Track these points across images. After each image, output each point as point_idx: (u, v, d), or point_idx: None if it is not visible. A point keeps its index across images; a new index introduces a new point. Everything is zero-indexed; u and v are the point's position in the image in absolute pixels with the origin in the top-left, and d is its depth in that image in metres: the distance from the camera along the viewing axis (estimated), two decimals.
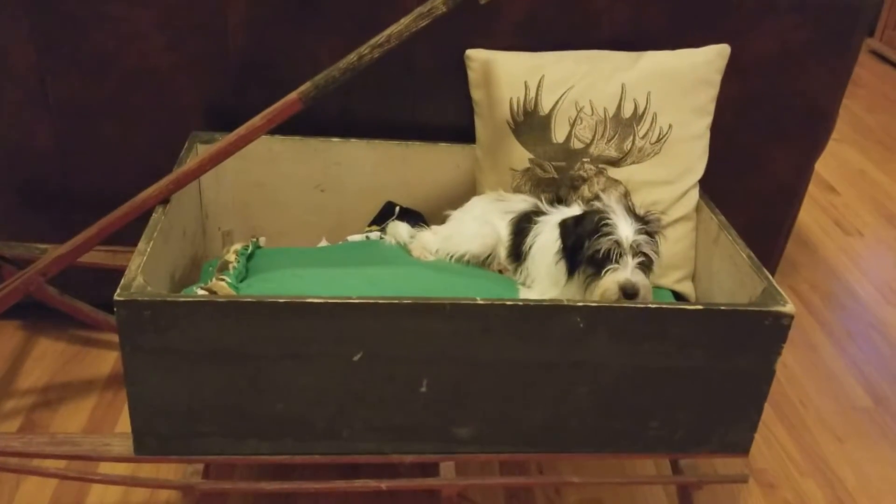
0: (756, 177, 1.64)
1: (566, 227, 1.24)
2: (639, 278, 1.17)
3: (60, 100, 1.47)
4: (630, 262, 1.17)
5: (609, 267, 1.17)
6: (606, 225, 1.18)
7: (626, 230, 1.17)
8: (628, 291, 1.15)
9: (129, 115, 1.49)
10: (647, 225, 1.21)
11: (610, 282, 1.16)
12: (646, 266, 1.18)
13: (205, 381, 1.07)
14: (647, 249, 1.18)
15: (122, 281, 1.05)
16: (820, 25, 1.47)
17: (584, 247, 1.18)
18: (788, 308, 1.12)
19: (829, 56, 1.51)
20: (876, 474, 1.58)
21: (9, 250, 1.52)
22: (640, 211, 1.24)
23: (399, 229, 1.49)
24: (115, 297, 1.02)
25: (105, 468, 1.27)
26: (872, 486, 1.55)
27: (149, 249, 1.12)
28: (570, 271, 1.22)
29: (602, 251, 1.17)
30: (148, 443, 1.11)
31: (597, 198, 1.31)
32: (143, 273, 1.07)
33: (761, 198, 1.67)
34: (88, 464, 1.30)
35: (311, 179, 1.52)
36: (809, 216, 2.48)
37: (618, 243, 1.17)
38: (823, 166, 2.77)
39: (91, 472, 1.19)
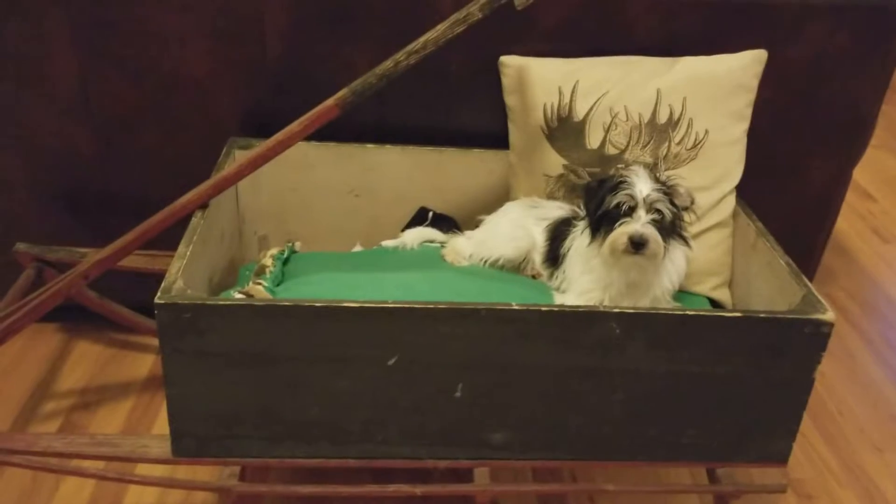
0: (793, 184, 1.63)
1: (589, 188, 1.29)
2: (649, 231, 1.20)
3: (102, 107, 1.51)
4: (643, 216, 1.20)
5: (623, 220, 1.20)
6: (624, 183, 1.22)
7: (642, 187, 1.21)
8: (636, 241, 1.19)
9: (168, 121, 1.53)
10: (665, 186, 1.23)
11: (620, 232, 1.20)
12: (660, 224, 1.21)
13: (242, 384, 1.09)
14: (661, 206, 1.21)
15: (163, 284, 1.07)
16: (858, 31, 1.45)
17: (602, 203, 1.22)
18: (828, 316, 1.11)
19: (868, 62, 1.49)
20: None
21: (50, 254, 1.56)
22: (664, 177, 1.27)
23: (407, 235, 1.53)
24: (156, 300, 1.04)
25: (143, 469, 1.29)
26: None
27: (188, 253, 1.14)
28: (594, 233, 1.25)
29: (617, 205, 1.21)
30: (186, 444, 1.12)
31: (626, 167, 1.33)
32: (182, 276, 1.08)
33: (798, 205, 1.66)
34: (126, 465, 1.32)
35: (346, 185, 1.54)
36: (847, 223, 2.45)
37: (632, 197, 1.21)
38: (860, 173, 2.73)
39: (129, 473, 1.21)
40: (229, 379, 1.08)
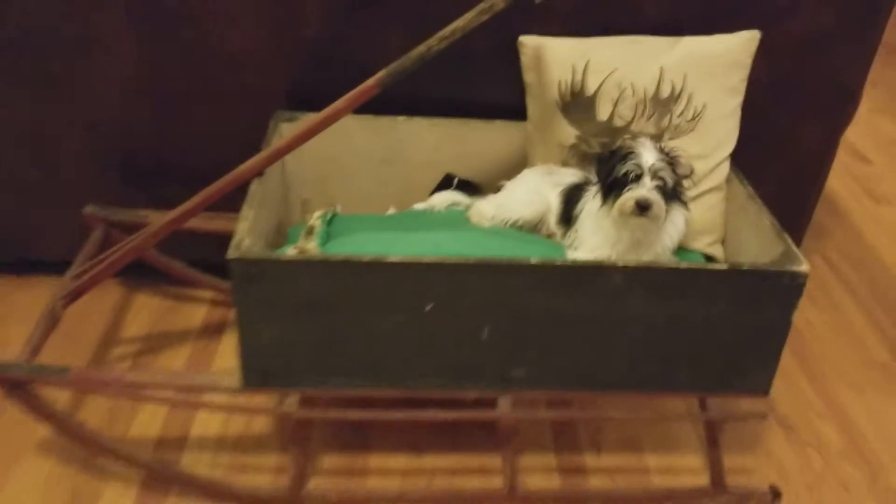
0: (786, 150, 1.78)
1: (601, 158, 1.44)
2: (653, 196, 1.35)
3: (158, 84, 1.66)
4: (648, 182, 1.35)
5: (630, 186, 1.36)
6: (632, 153, 1.37)
7: (647, 157, 1.36)
8: (642, 204, 1.34)
9: (218, 97, 1.67)
10: (668, 156, 1.39)
11: (628, 197, 1.35)
12: (662, 189, 1.36)
13: (301, 326, 1.27)
14: (664, 175, 1.36)
15: (233, 242, 1.24)
16: (844, 10, 1.59)
17: (613, 171, 1.38)
18: (804, 268, 1.27)
19: (855, 37, 1.64)
20: (889, 420, 1.73)
21: (115, 216, 1.73)
22: (668, 148, 1.42)
23: (435, 199, 1.68)
24: (228, 256, 1.22)
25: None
26: (885, 430, 1.71)
27: (251, 216, 1.32)
28: (604, 197, 1.41)
29: (625, 173, 1.36)
30: (253, 377, 1.31)
31: (633, 138, 1.48)
32: (249, 235, 1.26)
33: (791, 169, 1.81)
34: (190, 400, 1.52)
35: (380, 154, 1.69)
36: (841, 185, 2.59)
37: (639, 166, 1.36)
38: (858, 136, 2.88)
39: (205, 403, 1.40)
40: (290, 322, 1.26)
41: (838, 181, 2.60)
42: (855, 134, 2.90)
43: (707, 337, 1.32)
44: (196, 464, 1.51)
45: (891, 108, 3.15)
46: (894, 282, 2.17)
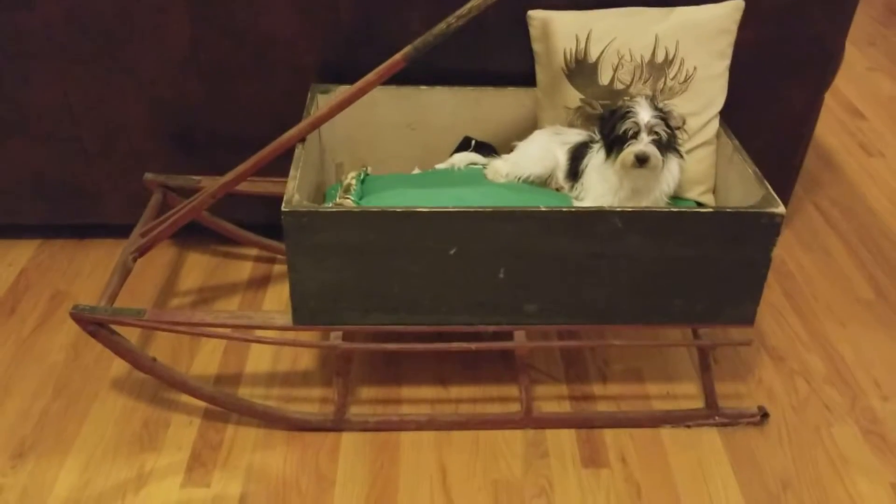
0: (773, 107, 1.94)
1: (603, 117, 1.62)
2: (650, 149, 1.53)
3: (209, 62, 1.84)
4: (645, 138, 1.53)
5: (630, 142, 1.54)
6: (630, 112, 1.54)
7: (644, 115, 1.53)
8: (640, 157, 1.52)
9: (261, 72, 1.85)
10: (662, 112, 1.56)
11: (628, 152, 1.53)
12: (658, 142, 1.54)
13: (344, 270, 1.47)
14: (659, 129, 1.54)
15: (285, 198, 1.44)
16: None
17: (614, 129, 1.55)
18: (780, 209, 1.45)
19: (833, 2, 1.79)
20: (870, 351, 1.91)
21: (172, 181, 1.92)
22: (661, 105, 1.58)
23: (455, 159, 1.84)
24: (282, 209, 1.41)
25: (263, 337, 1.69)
26: (866, 360, 1.89)
27: (298, 175, 1.52)
28: (608, 152, 1.58)
29: (625, 130, 1.53)
30: (302, 315, 1.52)
31: (631, 99, 1.65)
32: (297, 192, 1.47)
33: (779, 124, 1.97)
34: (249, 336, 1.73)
35: (405, 120, 1.86)
36: (836, 139, 2.74)
37: (636, 123, 1.53)
38: (855, 93, 3.02)
39: (261, 337, 1.61)
40: (334, 266, 1.46)
41: (833, 136, 2.75)
42: (852, 91, 3.05)
43: (697, 273, 1.50)
44: (250, 396, 1.72)
45: (888, 66, 3.27)
46: (882, 228, 2.33)
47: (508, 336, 1.59)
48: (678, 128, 1.61)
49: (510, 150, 1.80)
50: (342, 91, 1.59)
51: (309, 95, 1.79)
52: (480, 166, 1.82)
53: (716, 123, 1.73)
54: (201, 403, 1.70)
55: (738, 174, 1.64)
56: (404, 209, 1.43)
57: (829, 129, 2.79)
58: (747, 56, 1.79)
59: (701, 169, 1.74)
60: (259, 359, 1.83)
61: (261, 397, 1.73)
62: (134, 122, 1.94)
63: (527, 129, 1.82)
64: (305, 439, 1.65)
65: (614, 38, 1.69)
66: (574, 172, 1.71)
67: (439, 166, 1.87)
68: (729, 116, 1.74)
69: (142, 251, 1.72)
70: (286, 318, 1.54)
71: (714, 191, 1.77)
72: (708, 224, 1.46)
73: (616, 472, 1.60)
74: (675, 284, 1.52)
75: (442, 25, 1.49)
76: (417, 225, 1.44)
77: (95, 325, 1.55)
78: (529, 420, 1.67)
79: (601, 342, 1.71)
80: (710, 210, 1.47)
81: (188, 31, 1.80)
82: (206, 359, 1.83)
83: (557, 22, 1.73)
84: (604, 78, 1.71)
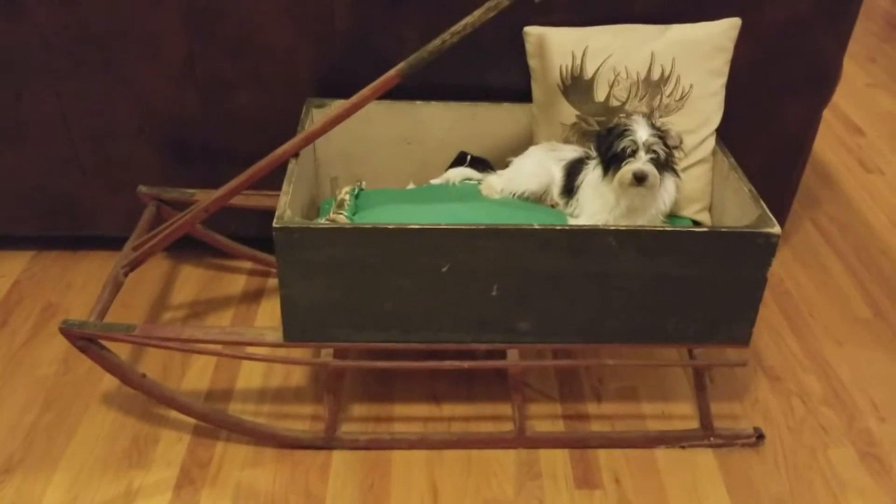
0: (770, 125, 1.93)
1: (600, 135, 1.60)
2: (649, 168, 1.51)
3: (205, 76, 1.83)
4: (643, 156, 1.52)
5: (627, 160, 1.52)
6: (628, 130, 1.54)
7: (642, 133, 1.52)
8: (638, 176, 1.51)
9: (257, 85, 1.84)
10: (660, 131, 1.55)
11: (626, 170, 1.52)
12: (656, 161, 1.53)
13: (335, 286, 1.46)
14: (657, 148, 1.53)
15: (277, 213, 1.43)
16: None
17: (612, 147, 1.54)
18: (776, 230, 1.44)
19: (831, 21, 1.78)
20: (867, 371, 1.89)
21: (166, 194, 1.91)
22: (659, 124, 1.58)
23: (450, 174, 1.83)
24: (273, 225, 1.40)
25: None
26: (863, 380, 1.87)
27: (290, 190, 1.51)
28: (605, 170, 1.57)
29: (623, 148, 1.52)
30: (294, 332, 1.50)
31: (628, 116, 1.64)
32: (289, 208, 1.45)
33: (776, 142, 1.96)
34: (239, 353, 1.72)
35: (400, 134, 1.85)
36: (835, 155, 2.73)
37: (634, 142, 1.52)
38: (854, 110, 3.01)
39: (252, 354, 1.60)
40: (326, 282, 1.45)
41: (832, 152, 2.74)
42: (851, 107, 3.04)
43: (692, 292, 1.49)
44: (241, 413, 1.70)
45: (887, 82, 3.27)
46: (880, 245, 2.32)
47: (502, 354, 1.58)
48: (675, 146, 1.60)
49: (505, 165, 1.80)
50: (337, 105, 1.59)
51: (304, 109, 1.79)
52: (475, 182, 1.82)
53: (712, 141, 1.73)
54: (191, 420, 1.68)
55: (734, 192, 1.63)
56: (396, 226, 1.42)
57: (828, 145, 2.78)
58: (745, 73, 1.79)
59: (697, 187, 1.73)
60: (250, 375, 1.81)
61: (251, 414, 1.72)
62: (129, 134, 1.93)
63: (522, 144, 1.81)
64: (295, 457, 1.63)
65: (610, 54, 1.69)
66: (569, 189, 1.71)
67: (434, 181, 1.85)
68: (727, 133, 1.74)
69: (133, 265, 1.71)
70: (277, 335, 1.52)
71: (710, 209, 1.76)
72: (703, 244, 1.45)
73: (609, 493, 1.58)
74: (670, 304, 1.51)
75: (437, 42, 1.49)
76: (410, 242, 1.43)
77: (85, 340, 1.54)
78: (522, 439, 1.65)
79: (596, 361, 1.70)
80: (705, 230, 1.46)
81: (185, 44, 1.80)
82: (198, 374, 1.82)
83: (553, 38, 1.72)
84: (599, 95, 1.70)
